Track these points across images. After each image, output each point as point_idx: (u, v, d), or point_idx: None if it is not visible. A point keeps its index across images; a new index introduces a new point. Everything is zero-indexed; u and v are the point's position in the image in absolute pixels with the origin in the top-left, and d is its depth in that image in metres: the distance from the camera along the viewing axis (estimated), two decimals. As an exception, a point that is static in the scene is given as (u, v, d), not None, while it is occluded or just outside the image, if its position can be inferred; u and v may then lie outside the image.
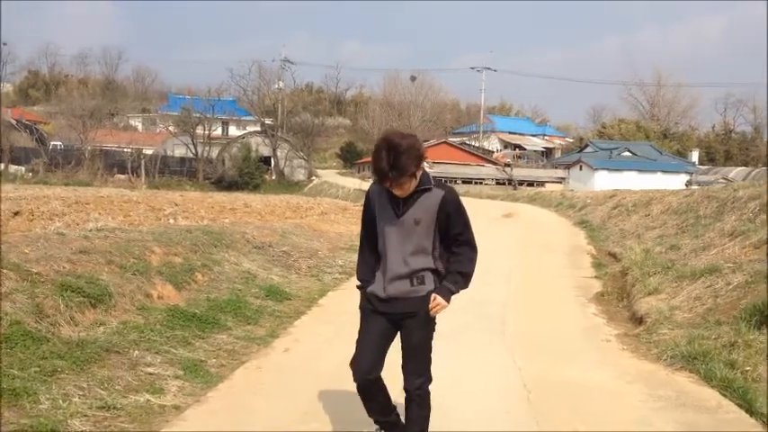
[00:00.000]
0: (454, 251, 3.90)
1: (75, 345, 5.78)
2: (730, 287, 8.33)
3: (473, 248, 3.94)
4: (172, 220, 15.41)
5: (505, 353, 7.04)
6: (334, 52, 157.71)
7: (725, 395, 5.79)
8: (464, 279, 3.90)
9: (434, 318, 3.91)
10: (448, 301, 3.87)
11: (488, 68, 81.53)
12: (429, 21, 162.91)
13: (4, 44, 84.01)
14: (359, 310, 4.03)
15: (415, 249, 3.81)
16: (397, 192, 3.72)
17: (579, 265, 13.59)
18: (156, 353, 6.14)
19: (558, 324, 8.58)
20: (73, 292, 6.51)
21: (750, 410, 5.47)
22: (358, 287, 4.05)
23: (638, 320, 8.53)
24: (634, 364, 6.79)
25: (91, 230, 9.12)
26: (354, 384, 3.95)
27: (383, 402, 4.07)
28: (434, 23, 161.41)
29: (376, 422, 4.13)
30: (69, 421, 4.57)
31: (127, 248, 8.36)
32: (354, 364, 3.94)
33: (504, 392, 5.81)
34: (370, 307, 3.94)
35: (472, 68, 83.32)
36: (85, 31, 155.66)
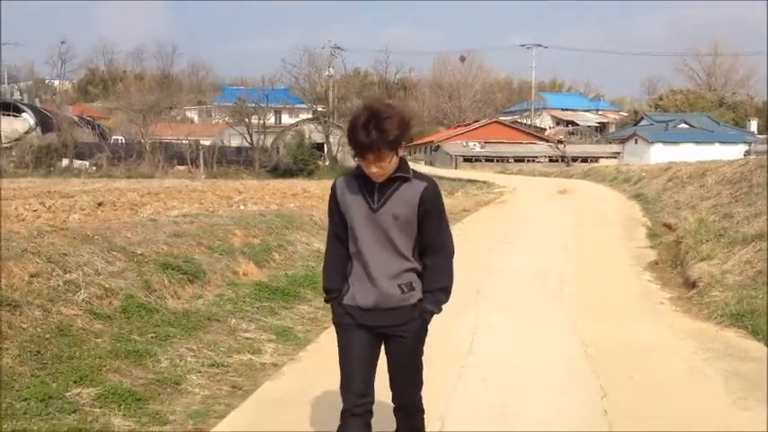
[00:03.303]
0: (429, 260, 3.37)
1: (181, 314, 6.58)
2: (779, 250, 8.73)
3: (450, 254, 3.44)
4: (242, 206, 16.30)
5: (564, 316, 7.62)
6: (383, 37, 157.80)
7: (770, 347, 6.28)
8: (445, 295, 3.42)
9: (426, 329, 3.44)
10: (428, 323, 3.42)
11: (539, 45, 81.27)
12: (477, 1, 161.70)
13: (62, 43, 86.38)
14: (334, 326, 3.50)
15: (396, 249, 3.29)
16: (374, 169, 3.17)
17: (634, 236, 14.00)
18: (250, 321, 6.91)
19: (613, 290, 9.10)
20: (173, 270, 7.33)
21: (794, 360, 5.95)
22: (326, 300, 3.50)
23: (691, 285, 8.98)
24: (686, 323, 7.31)
25: (177, 217, 9.95)
26: (339, 416, 3.40)
27: None
28: (483, 3, 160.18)
29: None
30: (187, 376, 5.35)
31: (212, 232, 9.16)
32: (344, 389, 3.39)
33: (564, 349, 6.39)
34: (350, 320, 3.37)
35: (522, 46, 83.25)
36: (140, 28, 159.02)
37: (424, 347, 3.49)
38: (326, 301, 3.51)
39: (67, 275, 6.25)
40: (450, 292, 3.44)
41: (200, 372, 5.49)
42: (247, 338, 6.42)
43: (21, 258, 6.10)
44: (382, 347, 3.44)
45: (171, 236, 8.39)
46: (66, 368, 4.99)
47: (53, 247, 6.66)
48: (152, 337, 5.96)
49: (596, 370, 5.74)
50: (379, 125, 3.08)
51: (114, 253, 7.17)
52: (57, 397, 4.56)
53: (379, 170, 3.18)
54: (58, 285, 6.05)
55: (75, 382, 4.81)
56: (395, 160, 3.21)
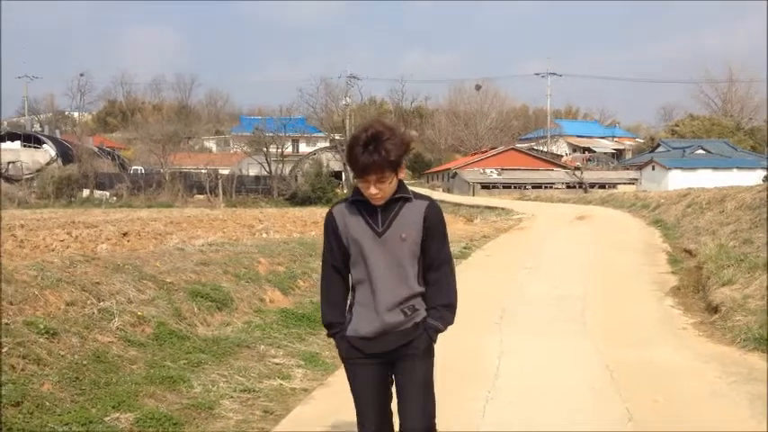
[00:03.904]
0: (432, 276, 3.32)
1: (211, 341, 6.73)
2: (801, 275, 8.76)
3: (452, 270, 3.40)
4: (265, 234, 16.49)
5: (587, 340, 7.69)
6: (399, 66, 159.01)
7: (795, 371, 6.32)
8: (450, 312, 3.35)
9: (434, 348, 3.36)
10: (434, 341, 3.35)
11: (553, 74, 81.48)
12: (491, 28, 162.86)
13: (81, 75, 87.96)
14: (342, 362, 3.43)
15: (401, 274, 3.24)
16: (374, 191, 3.13)
17: (655, 261, 14.03)
18: (278, 347, 7.04)
19: (635, 315, 9.15)
20: (202, 297, 7.50)
21: (819, 384, 5.99)
22: (329, 335, 3.41)
23: (713, 309, 9.02)
24: (709, 347, 7.35)
25: (203, 245, 10.13)
26: None
27: None
28: (498, 30, 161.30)
29: None
30: (221, 401, 5.48)
31: (237, 260, 9.33)
32: (359, 426, 3.35)
33: (588, 372, 6.47)
34: (356, 353, 3.29)
35: (537, 74, 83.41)
36: (158, 59, 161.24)
37: (435, 370, 3.38)
38: (329, 335, 3.41)
39: (101, 303, 6.42)
40: (455, 308, 3.36)
41: (232, 397, 5.61)
42: (276, 364, 6.54)
43: (56, 287, 6.29)
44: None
45: (198, 264, 8.57)
46: (103, 394, 5.13)
47: (86, 276, 6.85)
48: (184, 364, 6.10)
49: (621, 393, 5.80)
50: (379, 146, 3.06)
51: (145, 281, 7.35)
52: (97, 421, 4.69)
53: (380, 192, 3.14)
54: (93, 313, 6.22)
55: (113, 407, 4.95)
56: (395, 183, 3.18)
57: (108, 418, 4.78)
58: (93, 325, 6.04)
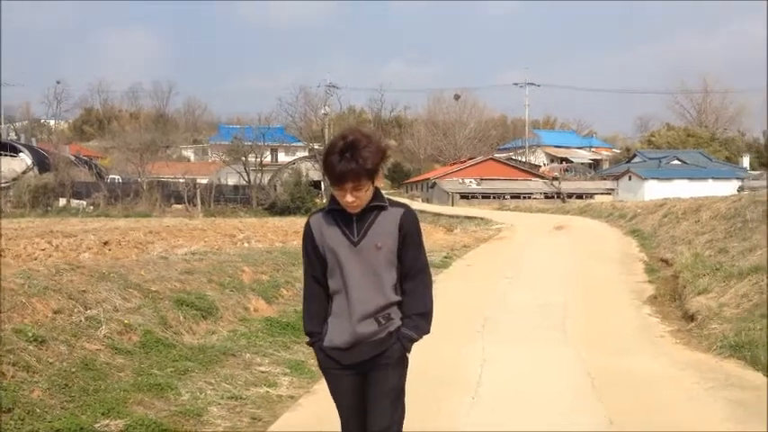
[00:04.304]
0: (407, 285, 3.29)
1: (197, 349, 6.79)
2: (775, 283, 8.98)
3: (428, 279, 3.37)
4: (246, 244, 16.53)
5: (568, 348, 7.82)
6: (378, 75, 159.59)
7: (769, 377, 6.50)
8: (425, 321, 3.32)
9: (407, 357, 3.34)
10: (408, 351, 3.32)
11: (531, 84, 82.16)
12: (470, 39, 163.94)
13: (58, 83, 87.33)
14: (321, 371, 3.47)
15: (377, 283, 3.22)
16: (350, 199, 3.12)
17: (632, 271, 14.24)
18: (264, 355, 7.10)
19: (614, 323, 9.31)
20: (187, 306, 7.56)
21: (793, 389, 6.16)
22: (308, 343, 3.45)
23: (690, 318, 9.20)
24: (686, 355, 7.52)
25: (186, 255, 10.17)
26: None
27: None
28: (476, 41, 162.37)
29: None
30: (209, 408, 5.53)
31: (221, 269, 9.39)
32: None
33: (570, 379, 6.60)
34: (333, 364, 3.31)
35: (515, 84, 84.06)
36: (135, 67, 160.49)
37: (407, 379, 3.36)
38: (309, 344, 3.43)
39: (88, 312, 6.46)
40: (430, 317, 3.33)
41: (219, 404, 5.67)
42: (262, 372, 6.60)
43: (43, 295, 6.32)
44: None
45: (182, 273, 8.61)
46: (93, 400, 5.18)
47: (72, 285, 6.88)
48: (171, 371, 6.15)
49: (602, 399, 5.94)
50: (356, 154, 3.04)
51: (130, 290, 7.39)
52: (87, 428, 4.74)
53: (356, 200, 3.12)
54: (80, 321, 6.26)
55: (102, 413, 4.99)
56: (371, 191, 3.17)
57: (98, 425, 4.83)
58: (80, 333, 6.08)
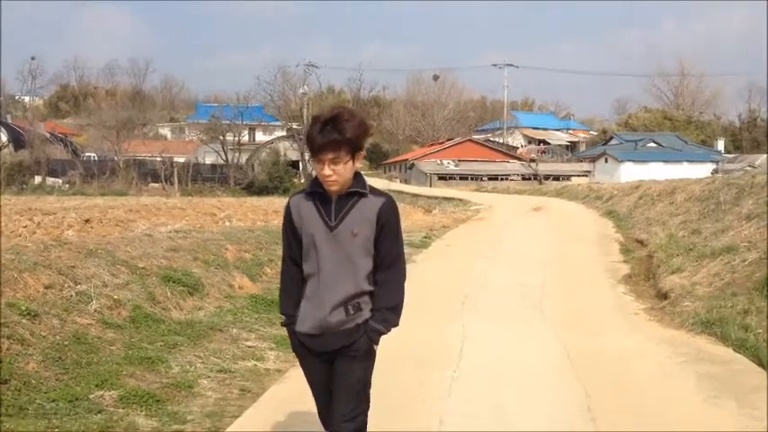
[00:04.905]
0: (380, 276, 3.24)
1: (185, 324, 6.95)
2: (746, 263, 9.27)
3: (402, 272, 3.31)
4: (228, 223, 16.62)
5: (546, 325, 8.07)
6: (357, 54, 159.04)
7: (738, 352, 6.77)
8: (395, 314, 3.28)
9: (375, 350, 3.30)
10: (376, 344, 3.28)
11: (510, 65, 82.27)
12: (450, 19, 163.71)
13: (33, 58, 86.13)
14: (294, 353, 3.46)
15: (351, 270, 3.18)
16: (328, 172, 3.10)
17: (608, 251, 14.55)
18: (250, 331, 7.27)
19: (590, 302, 9.57)
20: (174, 282, 7.69)
21: (761, 364, 6.42)
22: (282, 324, 3.41)
23: (663, 296, 9.49)
24: (659, 331, 7.79)
25: (170, 232, 10.27)
26: None
27: None
28: (456, 22, 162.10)
29: None
30: (199, 380, 5.70)
31: (206, 247, 9.51)
32: (322, 420, 3.41)
33: (548, 356, 6.83)
34: (303, 350, 3.31)
35: (494, 65, 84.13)
36: (112, 43, 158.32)
37: (374, 371, 3.33)
38: (283, 324, 3.38)
39: (78, 287, 6.58)
40: (399, 310, 3.29)
41: (209, 377, 5.83)
42: (249, 347, 6.77)
43: (34, 271, 6.42)
44: None
45: (168, 250, 8.73)
46: (86, 373, 5.33)
47: (61, 260, 6.99)
48: (161, 345, 6.30)
49: (579, 373, 6.17)
50: (337, 125, 3.05)
51: (118, 266, 7.51)
52: (82, 398, 4.90)
53: (333, 174, 3.09)
54: (71, 296, 6.38)
55: (96, 385, 5.14)
56: (350, 167, 3.12)
57: (92, 396, 4.98)
58: (71, 307, 6.20)
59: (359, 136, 3.10)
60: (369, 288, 3.22)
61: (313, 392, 3.40)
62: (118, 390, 5.11)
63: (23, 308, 5.68)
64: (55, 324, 5.82)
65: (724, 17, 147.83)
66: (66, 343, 5.64)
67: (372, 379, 3.33)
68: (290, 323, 3.31)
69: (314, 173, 3.21)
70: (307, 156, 64.74)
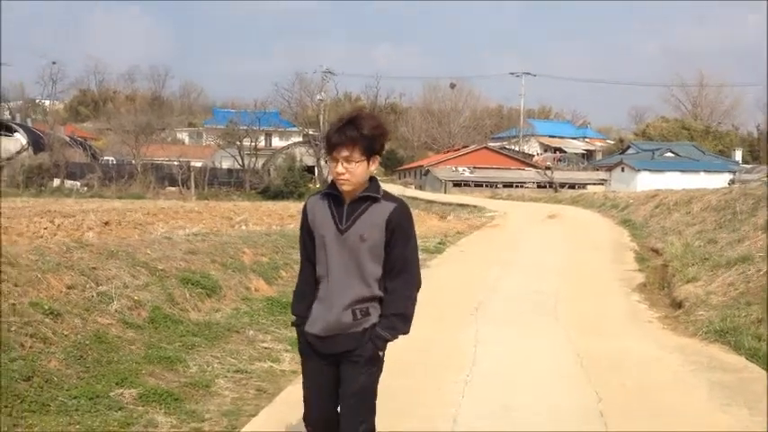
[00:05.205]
0: (390, 283, 3.22)
1: (203, 325, 7.06)
2: (761, 273, 9.28)
3: (413, 279, 3.27)
4: (244, 226, 16.77)
5: (559, 331, 8.12)
6: (374, 62, 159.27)
7: (751, 361, 6.79)
8: (403, 322, 3.24)
9: (382, 356, 3.27)
10: (382, 350, 3.25)
11: (527, 73, 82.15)
12: (467, 27, 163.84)
13: (53, 63, 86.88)
14: (299, 354, 3.47)
15: (359, 273, 3.18)
16: (341, 171, 3.12)
17: (623, 260, 14.55)
18: (266, 332, 7.38)
19: (604, 309, 9.60)
20: (192, 284, 7.82)
21: (773, 373, 6.46)
22: (293, 324, 3.45)
23: (678, 305, 9.51)
24: (673, 339, 7.82)
25: (188, 235, 10.41)
26: None
27: None
28: (473, 30, 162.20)
29: None
30: (216, 380, 5.81)
31: (223, 250, 9.64)
32: (306, 419, 3.40)
33: (560, 360, 6.89)
34: (308, 350, 3.32)
35: (512, 74, 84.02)
36: (132, 49, 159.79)
37: (381, 377, 3.31)
38: (293, 325, 3.42)
39: (100, 288, 6.71)
40: (409, 319, 3.26)
41: (226, 377, 5.94)
42: (265, 348, 6.87)
43: (57, 271, 6.56)
44: None
45: (186, 253, 8.85)
46: (107, 371, 5.44)
47: (83, 262, 7.13)
48: (180, 346, 6.41)
49: (591, 378, 6.22)
50: (355, 123, 3.10)
51: (138, 268, 7.64)
52: (103, 396, 5.01)
53: (346, 173, 3.10)
54: (93, 297, 6.51)
55: (116, 383, 5.26)
56: (364, 168, 3.13)
57: (113, 393, 5.09)
58: (92, 307, 6.33)
59: (375, 136, 3.13)
60: (378, 293, 3.21)
61: (305, 395, 3.38)
62: (137, 388, 5.22)
63: (46, 307, 5.81)
64: (77, 323, 5.94)
65: (740, 24, 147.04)
66: (87, 342, 5.76)
67: (382, 384, 3.33)
68: (299, 323, 3.34)
69: (329, 178, 3.26)
70: (323, 162, 65.25)
